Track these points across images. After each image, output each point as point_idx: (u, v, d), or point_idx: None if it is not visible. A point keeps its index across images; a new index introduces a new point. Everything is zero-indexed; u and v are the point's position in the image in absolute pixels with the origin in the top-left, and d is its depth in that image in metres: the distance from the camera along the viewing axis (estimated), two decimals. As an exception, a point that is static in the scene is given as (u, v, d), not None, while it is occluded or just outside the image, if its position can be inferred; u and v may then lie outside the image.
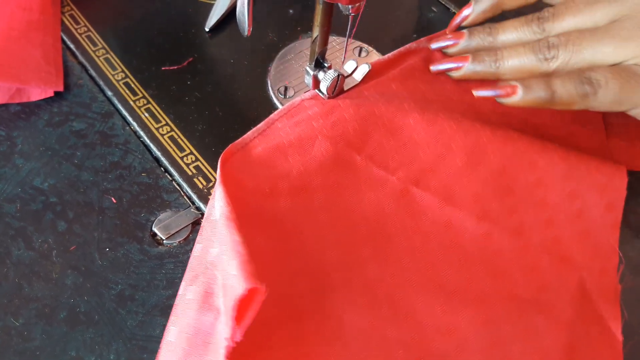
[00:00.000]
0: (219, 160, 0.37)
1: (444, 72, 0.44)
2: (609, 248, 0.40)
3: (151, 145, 0.43)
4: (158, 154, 0.43)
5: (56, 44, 0.48)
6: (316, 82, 0.41)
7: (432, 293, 0.37)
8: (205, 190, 0.41)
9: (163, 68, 0.48)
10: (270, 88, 0.47)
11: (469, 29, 0.45)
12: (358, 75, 0.42)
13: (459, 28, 0.46)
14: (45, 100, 0.45)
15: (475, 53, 0.43)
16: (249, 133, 0.39)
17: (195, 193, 0.41)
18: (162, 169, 0.43)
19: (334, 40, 0.50)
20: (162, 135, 0.44)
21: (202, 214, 0.40)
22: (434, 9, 0.55)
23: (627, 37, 0.39)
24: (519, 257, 0.39)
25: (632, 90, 0.39)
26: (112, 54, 0.48)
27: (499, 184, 0.40)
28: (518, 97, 0.39)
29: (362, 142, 0.40)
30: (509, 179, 0.40)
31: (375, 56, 0.50)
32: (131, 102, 0.45)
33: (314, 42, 0.40)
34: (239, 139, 0.39)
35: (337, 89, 0.41)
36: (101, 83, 0.46)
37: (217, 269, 0.34)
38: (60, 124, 0.44)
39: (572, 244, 0.40)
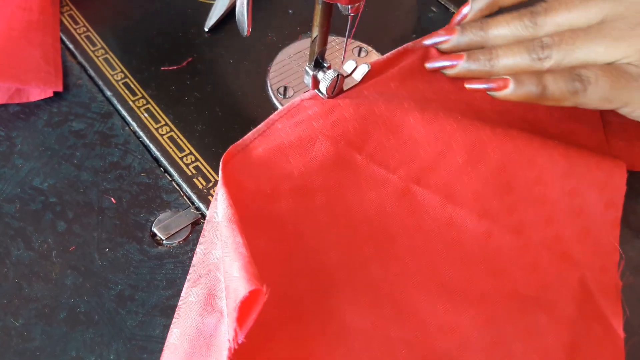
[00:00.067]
0: (220, 162, 0.37)
1: (439, 70, 0.44)
2: (610, 245, 0.40)
3: (151, 146, 0.43)
4: (157, 154, 0.43)
5: (55, 44, 0.48)
6: (316, 82, 0.41)
7: (434, 292, 0.37)
8: (205, 190, 0.41)
9: (162, 68, 0.48)
10: (269, 88, 0.47)
11: (461, 24, 0.45)
12: (357, 75, 0.42)
13: (458, 27, 0.46)
14: (45, 100, 0.45)
15: (470, 51, 0.43)
16: (249, 134, 0.39)
17: (194, 193, 0.41)
18: (162, 169, 0.42)
19: (334, 40, 0.50)
20: (162, 135, 0.44)
21: (202, 214, 0.40)
22: (434, 9, 0.55)
23: (618, 37, 0.39)
24: (520, 256, 0.39)
25: (622, 88, 0.39)
26: (111, 54, 0.48)
27: (499, 182, 0.40)
28: (509, 90, 0.40)
29: (363, 142, 0.40)
30: (509, 176, 0.40)
31: (375, 56, 0.50)
32: (130, 102, 0.45)
33: (313, 42, 0.40)
34: (240, 140, 0.39)
35: (337, 89, 0.41)
36: (100, 83, 0.46)
37: (219, 271, 0.34)
38: (60, 124, 0.44)
39: (572, 241, 0.40)
